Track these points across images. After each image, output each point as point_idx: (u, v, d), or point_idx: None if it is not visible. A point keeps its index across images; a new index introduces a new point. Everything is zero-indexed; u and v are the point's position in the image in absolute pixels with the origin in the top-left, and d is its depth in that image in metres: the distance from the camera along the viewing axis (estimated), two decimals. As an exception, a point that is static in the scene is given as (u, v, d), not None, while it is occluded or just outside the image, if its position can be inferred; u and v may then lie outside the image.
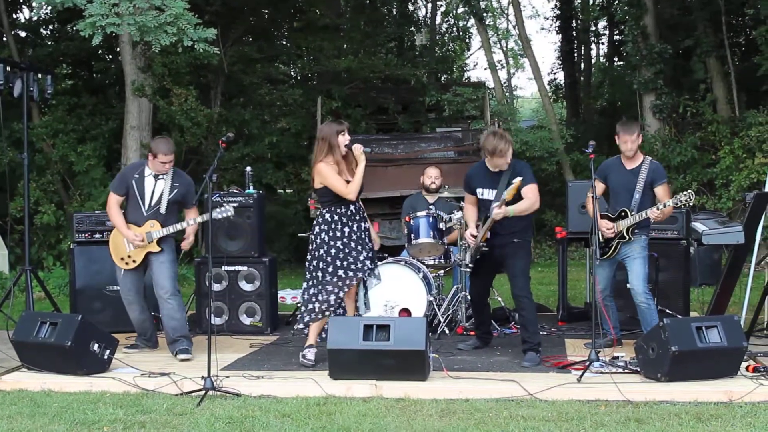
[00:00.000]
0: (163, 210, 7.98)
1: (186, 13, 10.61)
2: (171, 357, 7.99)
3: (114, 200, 8.07)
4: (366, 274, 7.72)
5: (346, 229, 7.60)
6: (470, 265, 8.18)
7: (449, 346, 8.38)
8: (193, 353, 7.99)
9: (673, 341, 6.52)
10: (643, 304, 7.72)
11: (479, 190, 7.93)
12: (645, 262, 7.78)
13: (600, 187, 7.94)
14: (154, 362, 7.74)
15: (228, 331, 9.25)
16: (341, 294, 7.58)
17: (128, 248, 8.01)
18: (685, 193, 7.37)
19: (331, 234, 7.59)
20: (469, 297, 8.82)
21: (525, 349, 7.71)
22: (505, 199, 7.42)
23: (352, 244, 7.61)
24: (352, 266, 7.59)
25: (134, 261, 8.02)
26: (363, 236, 7.70)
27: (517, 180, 7.41)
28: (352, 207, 7.66)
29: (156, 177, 8.00)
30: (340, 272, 7.54)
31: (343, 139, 7.57)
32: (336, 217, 7.61)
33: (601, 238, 7.76)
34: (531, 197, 7.67)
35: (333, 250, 7.56)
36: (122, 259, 8.06)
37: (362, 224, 7.73)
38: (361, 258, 7.63)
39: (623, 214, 7.76)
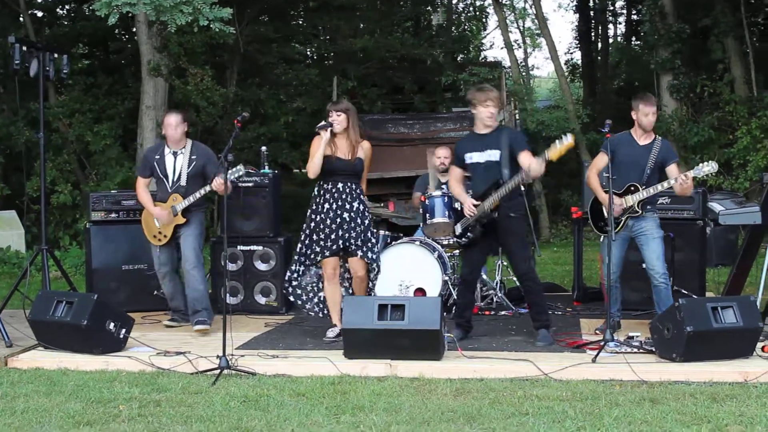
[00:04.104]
0: (183, 183, 8.17)
1: (201, -8, 10.60)
2: (186, 336, 8.04)
3: (141, 182, 8.39)
4: (339, 253, 7.66)
5: (326, 206, 7.57)
6: (469, 235, 7.74)
7: (464, 326, 8.36)
8: (212, 326, 8.09)
9: (689, 321, 6.50)
10: (662, 284, 7.58)
11: (468, 155, 7.69)
12: (662, 242, 7.68)
13: (604, 160, 7.73)
14: (170, 341, 7.78)
15: (243, 310, 9.29)
16: (301, 269, 7.72)
17: (157, 224, 8.25)
18: (708, 163, 7.28)
19: (313, 208, 7.64)
20: (459, 278, 8.58)
21: (536, 327, 7.67)
22: (550, 158, 7.08)
23: (328, 221, 7.56)
24: (321, 243, 7.59)
25: (165, 236, 8.27)
26: (345, 216, 7.56)
27: (570, 138, 7.06)
28: (339, 185, 7.59)
29: (175, 154, 8.25)
30: (306, 249, 7.64)
31: (330, 117, 7.59)
32: (321, 192, 7.63)
33: (606, 214, 7.61)
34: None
35: (312, 224, 7.62)
36: (154, 236, 8.32)
37: (353, 204, 7.61)
38: (333, 237, 7.55)
39: (632, 188, 7.61)
